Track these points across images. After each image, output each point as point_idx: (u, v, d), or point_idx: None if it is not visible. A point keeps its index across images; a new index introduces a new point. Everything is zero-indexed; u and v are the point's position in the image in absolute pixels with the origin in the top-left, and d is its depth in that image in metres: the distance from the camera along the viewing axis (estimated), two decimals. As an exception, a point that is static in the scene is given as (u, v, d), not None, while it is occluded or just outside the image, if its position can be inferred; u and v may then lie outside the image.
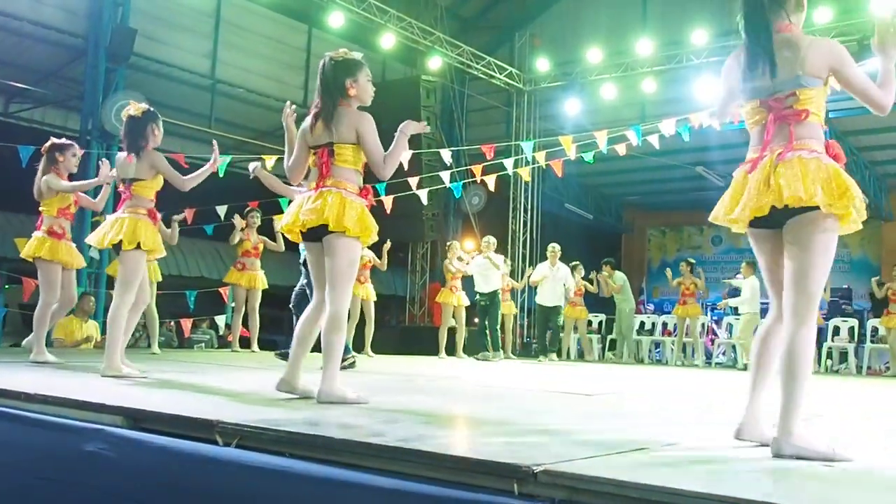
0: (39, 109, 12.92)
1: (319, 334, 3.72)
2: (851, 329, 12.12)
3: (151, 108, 5.04)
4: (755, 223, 2.72)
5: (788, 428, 2.45)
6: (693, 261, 12.64)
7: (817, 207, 2.53)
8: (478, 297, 10.84)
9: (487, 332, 10.75)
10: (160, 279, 8.10)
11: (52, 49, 12.08)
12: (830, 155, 2.65)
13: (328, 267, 3.68)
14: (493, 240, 10.98)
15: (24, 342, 6.35)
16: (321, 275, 3.76)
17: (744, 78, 2.78)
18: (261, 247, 9.34)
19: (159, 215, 5.11)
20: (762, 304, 13.89)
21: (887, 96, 2.65)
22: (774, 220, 2.64)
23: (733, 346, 12.77)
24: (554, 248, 11.50)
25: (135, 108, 4.95)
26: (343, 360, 7.26)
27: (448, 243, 11.62)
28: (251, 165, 6.31)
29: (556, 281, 11.42)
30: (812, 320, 2.57)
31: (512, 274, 12.56)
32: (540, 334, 12.13)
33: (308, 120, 3.80)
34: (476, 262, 10.87)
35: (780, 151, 2.64)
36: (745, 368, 10.84)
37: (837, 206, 2.55)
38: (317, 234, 3.68)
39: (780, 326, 2.66)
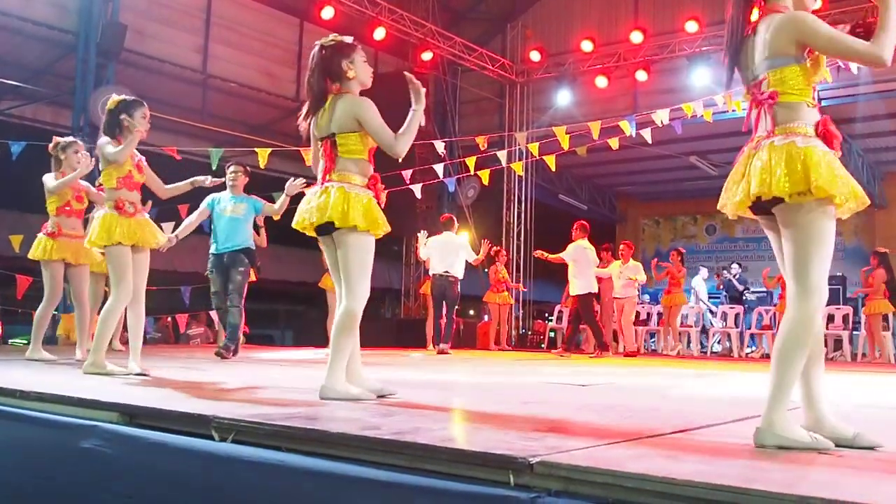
0: (31, 106, 12.84)
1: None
2: (846, 317, 12.15)
3: (128, 98, 4.97)
4: (755, 208, 2.57)
5: (771, 417, 2.37)
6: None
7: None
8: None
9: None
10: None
11: (43, 45, 12.01)
12: (820, 134, 2.48)
13: (341, 263, 3.62)
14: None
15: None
16: (336, 270, 3.71)
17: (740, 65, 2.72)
18: None
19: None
20: (760, 293, 13.96)
21: (879, 47, 2.39)
22: (768, 205, 2.51)
23: (728, 335, 12.80)
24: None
25: (112, 101, 4.95)
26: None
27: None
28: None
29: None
30: (805, 309, 2.45)
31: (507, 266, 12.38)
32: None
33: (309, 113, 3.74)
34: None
35: (759, 139, 2.56)
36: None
37: (808, 195, 2.39)
38: (327, 228, 3.59)
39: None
